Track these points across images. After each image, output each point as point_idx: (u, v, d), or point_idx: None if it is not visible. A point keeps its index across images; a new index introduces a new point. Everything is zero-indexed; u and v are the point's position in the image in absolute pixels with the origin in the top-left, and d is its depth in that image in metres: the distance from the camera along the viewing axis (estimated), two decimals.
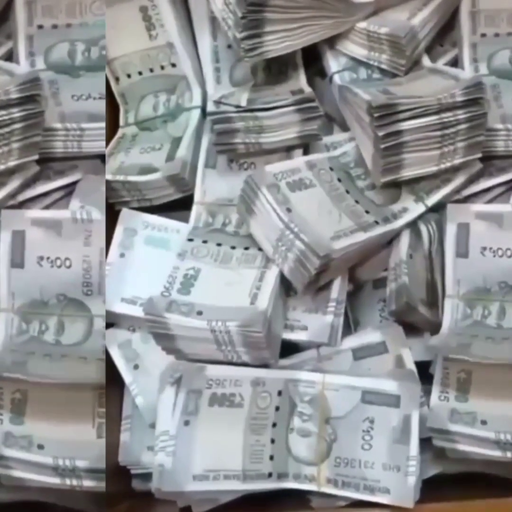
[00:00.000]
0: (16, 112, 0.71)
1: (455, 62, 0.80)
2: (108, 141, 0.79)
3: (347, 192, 0.74)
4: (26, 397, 0.70)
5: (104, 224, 0.73)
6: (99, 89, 0.77)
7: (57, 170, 0.77)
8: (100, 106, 0.76)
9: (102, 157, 0.78)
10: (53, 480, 0.68)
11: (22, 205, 0.75)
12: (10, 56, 0.78)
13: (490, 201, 0.76)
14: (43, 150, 0.75)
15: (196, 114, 0.79)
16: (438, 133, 0.70)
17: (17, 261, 0.72)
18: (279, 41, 0.72)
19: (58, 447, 0.68)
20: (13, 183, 0.74)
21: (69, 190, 0.76)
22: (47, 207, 0.76)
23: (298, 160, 0.75)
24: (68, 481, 0.68)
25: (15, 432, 0.69)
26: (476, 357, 0.68)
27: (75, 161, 0.77)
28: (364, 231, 0.71)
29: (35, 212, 0.74)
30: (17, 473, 0.68)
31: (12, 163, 0.73)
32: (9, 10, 0.78)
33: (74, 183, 0.77)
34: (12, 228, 0.73)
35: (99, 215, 0.73)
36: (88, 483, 0.68)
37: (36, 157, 0.74)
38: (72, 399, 0.69)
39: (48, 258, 0.72)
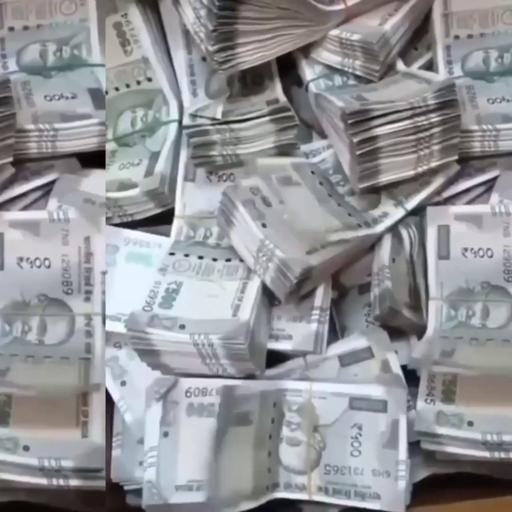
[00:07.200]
0: None
1: (430, 65, 0.80)
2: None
3: (330, 195, 0.75)
4: (10, 399, 0.70)
5: (82, 222, 0.73)
6: (71, 89, 0.76)
7: (34, 170, 0.77)
8: (73, 105, 0.75)
9: (77, 156, 0.77)
10: (40, 481, 0.69)
11: (1, 207, 0.75)
12: None
13: (470, 202, 0.77)
14: (17, 152, 0.74)
15: (173, 127, 0.79)
16: (413, 137, 0.70)
17: None
18: (252, 52, 0.72)
19: (43, 448, 0.69)
20: None
21: (47, 189, 0.76)
22: (26, 207, 0.76)
23: (284, 160, 0.75)
24: (54, 481, 0.69)
25: (0, 434, 0.69)
26: (459, 366, 0.69)
27: (51, 161, 0.77)
28: (351, 230, 0.72)
29: (13, 214, 0.74)
30: (4, 475, 0.69)
31: None
32: None
33: (52, 183, 0.76)
34: None
35: (75, 214, 0.73)
36: (74, 482, 0.68)
37: (10, 159, 0.73)
38: (55, 399, 0.70)
39: (27, 258, 0.72)
